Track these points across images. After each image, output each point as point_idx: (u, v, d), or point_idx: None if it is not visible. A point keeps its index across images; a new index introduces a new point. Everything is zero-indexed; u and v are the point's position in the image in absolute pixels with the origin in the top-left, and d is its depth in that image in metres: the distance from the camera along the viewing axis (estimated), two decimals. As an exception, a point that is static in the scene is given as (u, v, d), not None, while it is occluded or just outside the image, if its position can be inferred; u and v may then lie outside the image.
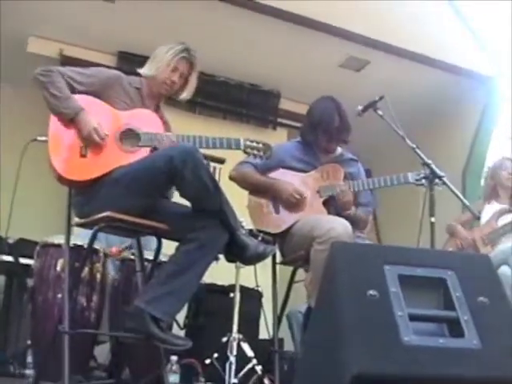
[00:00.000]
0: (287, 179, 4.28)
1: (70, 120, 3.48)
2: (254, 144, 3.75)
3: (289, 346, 5.93)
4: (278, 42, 6.85)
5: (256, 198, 4.32)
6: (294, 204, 4.21)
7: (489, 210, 5.46)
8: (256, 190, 4.34)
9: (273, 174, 4.33)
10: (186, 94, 3.93)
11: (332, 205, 4.20)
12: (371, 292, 2.20)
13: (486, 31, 7.54)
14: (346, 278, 2.26)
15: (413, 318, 2.20)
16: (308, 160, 4.37)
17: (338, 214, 4.11)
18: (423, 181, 3.91)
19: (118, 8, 6.28)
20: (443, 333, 2.29)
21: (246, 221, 4.18)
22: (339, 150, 4.50)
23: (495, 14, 7.59)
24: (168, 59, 3.80)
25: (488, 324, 2.29)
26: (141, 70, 3.87)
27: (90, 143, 3.46)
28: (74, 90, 3.55)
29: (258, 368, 4.67)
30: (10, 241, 5.21)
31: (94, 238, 3.45)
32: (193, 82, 3.93)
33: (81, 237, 4.05)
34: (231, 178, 4.39)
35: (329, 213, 4.15)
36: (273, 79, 7.82)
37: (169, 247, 3.59)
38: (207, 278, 4.18)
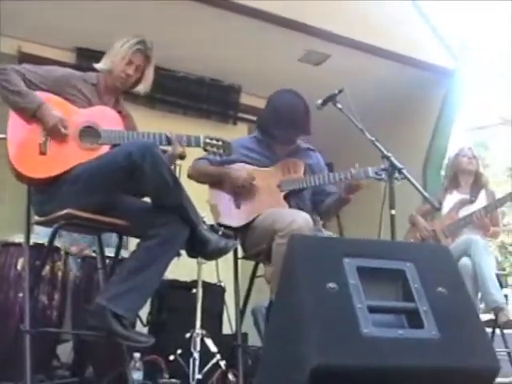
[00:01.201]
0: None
1: (32, 115, 3.44)
2: (214, 141, 3.75)
3: (253, 340, 5.95)
4: (238, 36, 6.82)
5: (217, 193, 4.31)
6: (248, 190, 4.23)
7: (450, 200, 5.50)
8: (212, 181, 4.33)
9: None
10: (142, 87, 3.88)
11: (293, 198, 4.22)
12: (330, 284, 2.22)
13: (447, 27, 7.63)
14: (305, 270, 2.27)
15: (372, 309, 2.22)
16: (266, 154, 4.37)
17: (300, 208, 4.12)
18: (383, 175, 3.93)
19: (77, 4, 6.22)
20: (402, 324, 2.32)
21: (207, 216, 4.17)
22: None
23: (455, 12, 7.73)
24: (123, 52, 3.75)
25: (447, 314, 2.32)
26: (97, 65, 3.82)
27: (54, 136, 3.43)
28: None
29: (222, 363, 4.67)
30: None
31: (53, 236, 3.44)
32: (149, 75, 3.88)
33: (41, 236, 4.02)
34: (189, 176, 4.36)
35: (290, 207, 4.16)
36: (233, 74, 7.78)
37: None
38: (169, 274, 4.19)
